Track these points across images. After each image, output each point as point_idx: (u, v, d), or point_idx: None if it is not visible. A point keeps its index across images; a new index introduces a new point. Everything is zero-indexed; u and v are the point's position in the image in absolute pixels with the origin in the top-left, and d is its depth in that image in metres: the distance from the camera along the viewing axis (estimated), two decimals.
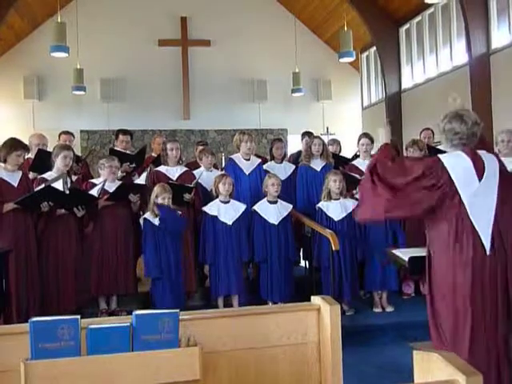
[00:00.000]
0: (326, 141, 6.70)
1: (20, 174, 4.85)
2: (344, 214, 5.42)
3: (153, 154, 7.28)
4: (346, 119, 14.31)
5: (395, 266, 5.13)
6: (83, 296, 5.14)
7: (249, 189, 5.95)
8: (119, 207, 5.30)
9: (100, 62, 13.29)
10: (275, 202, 5.55)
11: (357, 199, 5.33)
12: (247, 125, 12.36)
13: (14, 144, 4.76)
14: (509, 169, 3.05)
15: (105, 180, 5.23)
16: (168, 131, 13.33)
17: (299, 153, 7.04)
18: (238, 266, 5.43)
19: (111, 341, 2.12)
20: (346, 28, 11.77)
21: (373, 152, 5.87)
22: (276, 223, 5.48)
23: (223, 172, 5.95)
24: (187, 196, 5.49)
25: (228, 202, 5.44)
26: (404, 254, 3.39)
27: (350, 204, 5.44)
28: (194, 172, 5.94)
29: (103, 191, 5.18)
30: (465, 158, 2.83)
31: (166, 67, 13.77)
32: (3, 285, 4.31)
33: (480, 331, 2.71)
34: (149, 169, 6.07)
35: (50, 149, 5.62)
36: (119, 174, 5.84)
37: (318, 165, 6.19)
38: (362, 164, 5.85)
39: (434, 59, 11.52)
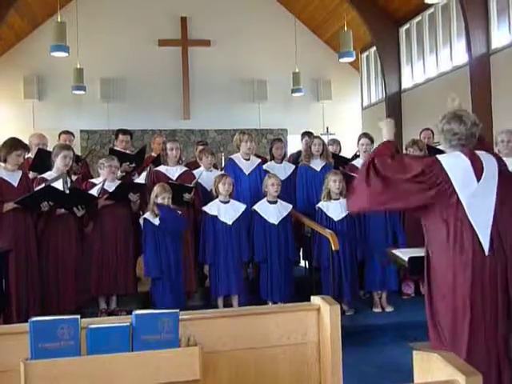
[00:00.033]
0: (325, 141, 6.70)
1: (20, 173, 4.85)
2: (344, 214, 5.42)
3: (153, 154, 7.28)
4: (345, 119, 14.31)
5: (395, 266, 5.13)
6: (83, 296, 5.14)
7: (248, 189, 5.95)
8: (119, 207, 5.30)
9: (100, 61, 13.29)
10: (275, 202, 5.55)
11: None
12: (247, 125, 12.36)
13: (14, 144, 4.76)
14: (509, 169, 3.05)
15: (104, 180, 5.23)
16: (168, 131, 13.33)
17: (299, 153, 7.04)
18: (238, 266, 5.43)
19: (111, 341, 2.12)
20: (346, 28, 11.77)
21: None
22: (276, 223, 5.48)
23: (223, 172, 5.95)
24: (187, 196, 5.49)
25: (228, 201, 5.44)
26: (404, 254, 3.40)
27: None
28: (194, 172, 5.94)
29: (103, 191, 5.18)
30: (463, 159, 2.83)
31: (166, 67, 13.77)
32: (3, 285, 4.32)
33: (479, 331, 2.72)
34: (148, 168, 6.08)
35: (49, 148, 5.62)
36: (119, 173, 5.85)
37: (317, 165, 6.19)
38: None
39: (434, 59, 11.52)
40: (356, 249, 5.46)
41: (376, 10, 12.34)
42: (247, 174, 6.00)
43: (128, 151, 6.67)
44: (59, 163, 5.10)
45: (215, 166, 6.56)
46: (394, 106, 12.61)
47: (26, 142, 5.28)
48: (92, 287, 5.20)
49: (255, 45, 13.99)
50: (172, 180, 5.62)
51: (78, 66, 12.52)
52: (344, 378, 2.40)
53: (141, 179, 5.68)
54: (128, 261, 5.32)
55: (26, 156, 5.02)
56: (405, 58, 12.68)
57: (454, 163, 2.82)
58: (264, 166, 6.26)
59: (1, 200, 4.64)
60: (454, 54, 10.79)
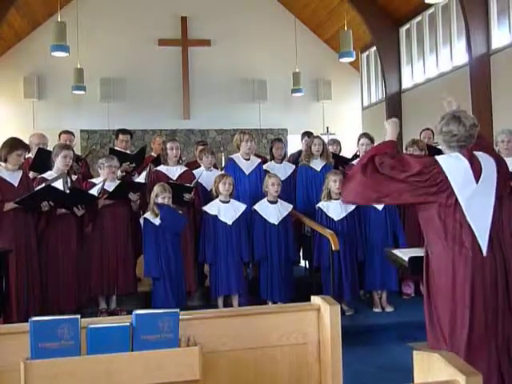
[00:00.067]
0: (325, 141, 6.70)
1: (20, 173, 4.85)
2: (344, 214, 5.42)
3: (153, 154, 7.28)
4: (346, 119, 14.32)
5: (395, 266, 5.14)
6: (83, 296, 5.14)
7: (249, 189, 5.95)
8: (119, 207, 5.30)
9: (100, 61, 13.30)
10: (275, 202, 5.55)
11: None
12: (247, 125, 12.36)
13: (15, 143, 4.76)
14: (509, 169, 3.06)
15: (104, 180, 5.23)
16: (168, 131, 13.34)
17: (299, 153, 7.04)
18: (238, 265, 5.43)
19: (111, 340, 2.12)
20: (346, 28, 11.78)
21: None
22: (276, 223, 5.48)
23: (223, 172, 5.95)
24: (187, 196, 5.49)
25: (228, 201, 5.44)
26: (404, 254, 3.40)
27: (350, 204, 5.43)
28: (194, 172, 5.94)
29: (103, 191, 5.18)
30: (462, 160, 2.83)
31: (165, 67, 13.78)
32: (3, 284, 4.31)
33: (479, 331, 2.72)
34: (148, 168, 6.08)
35: (50, 148, 5.62)
36: (119, 173, 5.85)
37: (317, 165, 6.19)
38: None
39: (434, 59, 11.53)
40: (356, 249, 5.46)
41: (376, 10, 12.34)
42: (247, 173, 6.00)
43: (128, 151, 6.67)
44: (59, 163, 5.10)
45: (215, 166, 6.56)
46: (394, 106, 12.61)
47: (27, 141, 5.28)
48: (92, 287, 5.20)
49: (255, 45, 14.00)
50: (172, 180, 5.62)
51: (78, 66, 12.52)
52: (344, 378, 2.40)
53: (140, 179, 5.68)
54: (128, 261, 5.31)
55: (27, 156, 5.02)
56: (405, 58, 12.68)
57: (453, 164, 2.82)
58: (264, 166, 6.26)
59: (1, 200, 4.64)
60: (454, 54, 10.79)
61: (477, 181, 2.80)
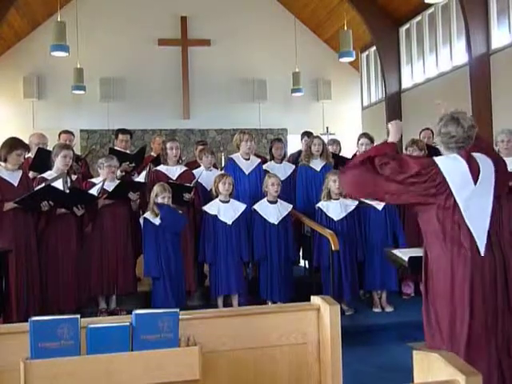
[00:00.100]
0: (325, 141, 6.70)
1: (20, 173, 4.85)
2: (344, 214, 5.42)
3: (152, 154, 7.28)
4: (345, 119, 14.31)
5: (395, 266, 5.14)
6: (83, 295, 5.14)
7: (248, 188, 5.95)
8: (119, 207, 5.29)
9: (100, 61, 13.29)
10: (275, 202, 5.55)
11: (357, 199, 5.34)
12: (247, 125, 12.36)
13: (15, 143, 4.76)
14: (509, 169, 3.06)
15: (104, 179, 5.23)
16: (168, 131, 13.34)
17: (299, 153, 7.04)
18: (238, 265, 5.43)
19: (111, 340, 2.12)
20: (345, 28, 11.77)
21: None
22: (276, 223, 5.48)
23: (223, 172, 5.95)
24: (187, 196, 5.49)
25: (228, 201, 5.44)
26: (404, 253, 3.40)
27: (350, 204, 5.44)
28: (194, 172, 5.94)
29: (103, 191, 5.18)
30: (460, 161, 2.84)
31: (165, 67, 13.77)
32: (3, 284, 4.31)
33: (478, 331, 2.72)
34: (148, 167, 6.08)
35: (49, 148, 5.62)
36: (118, 173, 5.84)
37: (317, 165, 6.19)
38: None
39: (434, 59, 11.53)
40: (356, 249, 5.46)
41: (376, 10, 12.34)
42: (247, 173, 6.00)
43: (128, 151, 6.67)
44: (59, 163, 5.10)
45: (215, 166, 6.56)
46: (393, 105, 12.61)
47: (26, 141, 5.27)
48: (92, 287, 5.20)
49: (255, 44, 13.99)
50: (172, 180, 5.62)
51: (78, 66, 12.52)
52: (344, 378, 2.40)
53: (140, 178, 5.68)
54: (128, 260, 5.31)
55: (26, 156, 5.02)
56: (405, 57, 12.68)
57: (451, 166, 2.83)
58: (264, 166, 6.26)
59: (1, 200, 4.63)
60: (454, 54, 10.79)
61: (475, 182, 2.80)
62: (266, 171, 6.04)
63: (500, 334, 2.74)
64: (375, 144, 6.12)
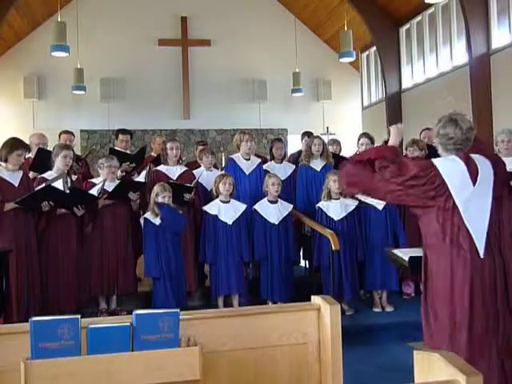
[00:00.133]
0: (325, 141, 6.70)
1: (21, 173, 4.85)
2: (344, 214, 5.42)
3: (152, 154, 7.28)
4: (346, 119, 14.31)
5: (395, 266, 5.14)
6: (83, 296, 5.14)
7: (249, 189, 5.95)
8: (119, 207, 5.29)
9: (100, 61, 13.29)
10: (275, 202, 5.55)
11: (357, 199, 5.34)
12: (247, 125, 12.35)
13: (15, 143, 4.76)
14: (508, 169, 3.06)
15: (104, 180, 5.23)
16: (168, 131, 13.34)
17: (299, 153, 7.04)
18: (238, 265, 5.43)
19: (111, 340, 2.12)
20: (346, 28, 11.77)
21: None
22: (276, 223, 5.48)
23: (223, 172, 5.95)
24: (187, 196, 5.49)
25: (228, 201, 5.44)
26: (404, 253, 3.40)
27: (350, 204, 5.44)
28: (194, 172, 5.94)
29: (103, 191, 5.18)
30: (459, 163, 2.84)
31: (165, 67, 13.77)
32: (3, 284, 4.31)
33: (478, 332, 2.72)
34: (148, 167, 6.07)
35: (50, 148, 5.62)
36: (119, 173, 5.84)
37: (317, 165, 6.19)
38: None
39: (434, 59, 11.52)
40: (356, 249, 5.46)
41: (376, 10, 12.34)
42: (247, 173, 6.00)
43: (128, 151, 6.67)
44: (59, 163, 5.10)
45: (215, 166, 6.56)
46: (394, 105, 12.61)
47: (27, 141, 5.28)
48: (92, 287, 5.20)
49: (255, 45, 13.99)
50: (172, 180, 5.62)
51: (78, 66, 12.52)
52: (344, 378, 2.40)
53: (140, 178, 5.68)
54: (128, 261, 5.31)
55: (27, 156, 5.02)
56: (405, 57, 12.67)
57: (450, 167, 2.83)
58: (264, 166, 6.26)
59: (1, 200, 4.64)
60: (454, 54, 10.79)
61: (474, 183, 2.80)
62: (267, 171, 6.04)
63: (501, 336, 2.74)
64: (375, 145, 6.14)
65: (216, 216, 5.36)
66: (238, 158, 6.06)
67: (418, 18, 12.03)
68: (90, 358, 2.09)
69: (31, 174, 5.29)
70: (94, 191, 5.10)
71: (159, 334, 2.16)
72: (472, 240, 2.75)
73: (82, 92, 12.87)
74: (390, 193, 2.86)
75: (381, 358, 4.50)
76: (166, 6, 13.67)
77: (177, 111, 13.83)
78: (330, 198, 5.48)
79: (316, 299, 2.50)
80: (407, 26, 12.49)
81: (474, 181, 2.80)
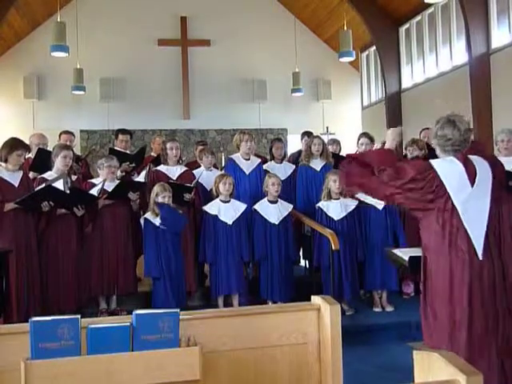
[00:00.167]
0: (325, 140, 6.70)
1: (21, 173, 4.85)
2: (344, 214, 5.42)
3: (152, 154, 7.28)
4: (345, 119, 14.31)
5: (395, 266, 5.14)
6: (83, 295, 5.14)
7: (249, 188, 5.95)
8: (119, 207, 5.29)
9: (100, 61, 13.29)
10: (275, 202, 5.55)
11: (357, 199, 5.34)
12: (247, 125, 12.35)
13: (15, 144, 4.76)
14: (509, 169, 3.06)
15: (104, 180, 5.23)
16: (168, 131, 13.34)
17: (299, 153, 7.04)
18: (238, 265, 5.43)
19: (111, 340, 2.12)
20: (345, 28, 11.77)
21: None
22: (276, 223, 5.48)
23: (223, 172, 5.95)
24: (187, 196, 5.49)
25: (228, 201, 5.44)
26: (404, 253, 3.40)
27: (350, 204, 5.44)
28: (194, 172, 5.94)
29: (103, 191, 5.18)
30: (457, 164, 2.84)
31: (165, 67, 13.77)
32: (3, 284, 4.31)
33: (478, 332, 2.72)
34: (148, 167, 6.07)
35: (50, 148, 5.62)
36: (118, 173, 5.84)
37: (317, 165, 6.19)
38: None
39: (434, 59, 11.52)
40: (356, 248, 5.46)
41: (376, 10, 12.34)
42: (247, 173, 6.00)
43: (128, 151, 6.67)
44: (59, 163, 5.10)
45: (215, 166, 6.56)
46: (393, 105, 12.61)
47: (27, 141, 5.28)
48: (92, 287, 5.20)
49: (255, 45, 13.99)
50: (172, 180, 5.62)
51: (78, 66, 12.52)
52: (344, 378, 2.40)
53: (140, 178, 5.68)
54: (128, 261, 5.31)
55: (27, 156, 5.02)
56: (405, 57, 12.67)
57: (448, 168, 2.83)
58: (264, 166, 6.27)
59: (1, 200, 4.64)
60: (453, 54, 10.79)
61: (472, 184, 2.81)
62: (267, 171, 6.04)
63: (501, 336, 2.74)
64: (375, 145, 6.14)
65: (216, 216, 5.36)
66: (237, 157, 6.06)
67: (418, 17, 12.03)
68: (90, 358, 2.09)
69: (31, 175, 5.30)
70: (93, 191, 5.10)
71: (159, 333, 2.16)
72: (470, 242, 2.76)
73: (82, 92, 12.87)
74: (389, 196, 2.86)
75: (381, 358, 4.50)
76: (166, 6, 13.67)
77: (177, 111, 13.83)
78: (329, 197, 5.48)
79: (316, 299, 2.50)
80: (407, 25, 12.49)
81: (473, 182, 2.81)
